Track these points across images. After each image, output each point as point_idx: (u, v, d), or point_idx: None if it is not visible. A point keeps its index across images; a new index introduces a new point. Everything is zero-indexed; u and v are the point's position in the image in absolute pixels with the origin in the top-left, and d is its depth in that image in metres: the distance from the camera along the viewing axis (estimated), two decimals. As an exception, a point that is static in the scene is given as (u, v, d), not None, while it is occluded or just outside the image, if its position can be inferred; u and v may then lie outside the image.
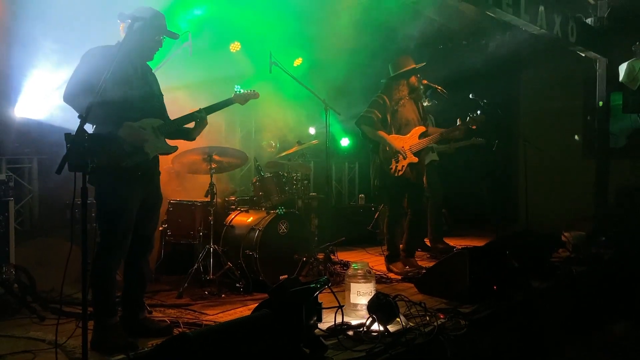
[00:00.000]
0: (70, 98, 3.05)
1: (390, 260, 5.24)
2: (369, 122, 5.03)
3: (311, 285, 2.92)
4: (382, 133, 5.01)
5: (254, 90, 3.86)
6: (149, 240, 3.41)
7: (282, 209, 4.84)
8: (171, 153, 3.40)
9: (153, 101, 3.32)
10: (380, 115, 5.02)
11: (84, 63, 3.11)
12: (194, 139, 3.60)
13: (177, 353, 2.21)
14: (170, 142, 3.40)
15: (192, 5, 5.74)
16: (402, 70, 5.11)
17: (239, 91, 3.77)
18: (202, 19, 5.89)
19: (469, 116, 5.20)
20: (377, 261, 5.60)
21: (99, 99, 2.63)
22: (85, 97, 2.97)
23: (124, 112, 3.11)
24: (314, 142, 6.12)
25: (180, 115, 3.45)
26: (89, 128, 3.09)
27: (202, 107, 3.50)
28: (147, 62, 3.38)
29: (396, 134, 5.08)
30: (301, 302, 2.78)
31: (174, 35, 3.31)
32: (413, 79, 5.13)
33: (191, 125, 3.49)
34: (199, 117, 3.44)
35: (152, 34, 3.22)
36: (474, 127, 5.23)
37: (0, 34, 4.74)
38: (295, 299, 2.79)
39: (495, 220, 7.83)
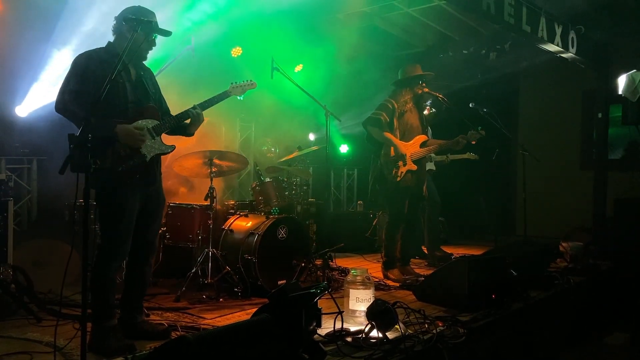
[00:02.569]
0: (61, 107, 3.04)
1: (387, 266, 5.24)
2: (376, 124, 5.03)
3: (311, 291, 2.91)
4: (389, 135, 5.02)
5: (250, 81, 3.75)
6: (152, 244, 3.40)
7: (277, 210, 4.87)
8: (169, 153, 3.34)
9: (148, 102, 3.28)
10: (387, 118, 5.03)
11: (73, 70, 3.09)
12: (191, 135, 3.54)
13: (176, 356, 2.20)
14: (169, 139, 3.36)
15: (195, 8, 5.75)
16: (409, 76, 5.15)
17: (234, 83, 3.69)
18: (205, 24, 5.91)
19: (470, 131, 5.25)
20: (374, 268, 5.59)
21: (88, 109, 2.61)
22: (77, 105, 2.96)
23: (117, 115, 3.09)
24: (314, 148, 6.12)
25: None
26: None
27: (196, 103, 3.45)
28: (143, 61, 3.35)
29: (400, 139, 5.09)
30: (301, 307, 2.77)
31: (166, 33, 3.24)
32: (417, 87, 5.16)
33: (188, 121, 3.44)
34: (193, 113, 3.39)
35: (145, 34, 3.16)
36: (474, 142, 5.28)
37: (4, 36, 4.75)
38: (296, 304, 2.77)
39: (493, 229, 7.85)
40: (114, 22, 3.23)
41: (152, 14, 3.24)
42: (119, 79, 3.11)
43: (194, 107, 3.42)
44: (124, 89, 3.15)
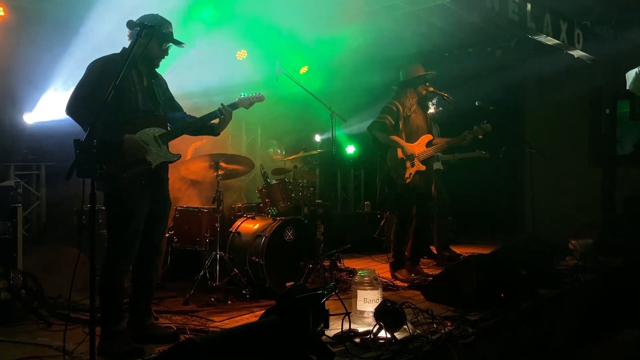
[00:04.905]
0: (73, 110, 3.07)
1: (395, 267, 5.23)
2: (382, 128, 5.01)
3: (318, 292, 2.92)
4: (395, 137, 5.00)
5: (258, 93, 3.81)
6: (158, 247, 3.43)
7: (275, 209, 4.88)
8: (174, 161, 3.40)
9: (157, 110, 3.33)
10: (392, 122, 5.01)
11: (87, 74, 3.13)
12: (218, 134, 3.66)
13: (184, 359, 2.21)
14: (196, 138, 3.44)
15: (200, 11, 5.77)
16: (412, 77, 5.12)
17: (242, 95, 3.77)
18: (209, 26, 5.92)
19: (476, 126, 5.22)
20: (383, 268, 5.58)
21: (97, 114, 2.63)
22: (88, 109, 2.99)
23: (126, 122, 3.13)
24: (319, 151, 6.13)
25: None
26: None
27: (222, 104, 3.55)
28: (155, 69, 3.40)
29: (406, 141, 5.08)
30: (308, 308, 2.78)
31: (180, 44, 3.34)
32: (421, 88, 5.13)
33: (216, 121, 3.56)
34: (222, 112, 3.51)
35: (158, 42, 3.24)
36: (481, 136, 5.24)
37: (11, 43, 4.79)
38: (302, 306, 2.78)
39: (501, 227, 7.82)
40: (131, 29, 3.24)
41: (169, 23, 3.31)
42: (131, 86, 3.17)
43: (223, 106, 3.52)
44: (135, 97, 3.20)
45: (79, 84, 3.13)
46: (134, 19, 3.15)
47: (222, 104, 3.54)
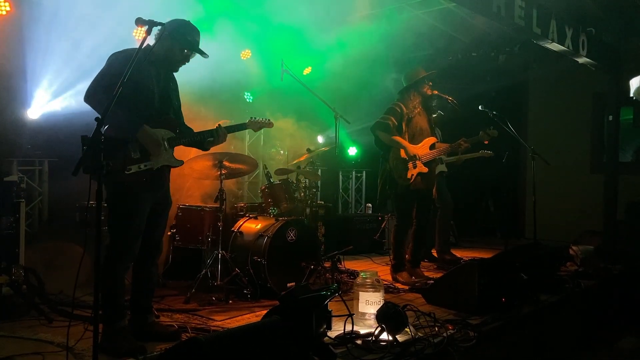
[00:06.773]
0: (91, 98, 3.08)
1: (396, 269, 5.22)
2: (384, 128, 5.02)
3: (322, 293, 2.92)
4: (398, 138, 5.01)
5: (268, 120, 3.98)
6: (158, 245, 3.42)
7: (275, 209, 4.91)
8: (176, 167, 3.40)
9: (169, 113, 3.34)
10: (396, 123, 5.02)
11: (111, 64, 3.12)
12: (207, 150, 3.68)
13: (188, 357, 2.20)
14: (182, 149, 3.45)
15: (203, 11, 5.77)
16: (414, 80, 5.13)
17: (252, 118, 3.87)
18: (213, 26, 5.92)
19: (481, 131, 5.23)
20: (383, 271, 5.57)
21: (117, 102, 2.63)
22: (106, 99, 2.99)
23: (141, 119, 3.13)
24: (324, 148, 6.12)
25: (189, 123, 3.56)
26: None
27: (219, 125, 3.56)
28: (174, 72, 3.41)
29: (410, 142, 5.08)
30: (311, 309, 2.78)
31: (203, 54, 3.33)
32: (425, 88, 5.14)
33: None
34: (219, 133, 3.50)
35: (179, 46, 3.24)
36: (487, 142, 5.25)
37: (16, 38, 4.79)
38: (306, 306, 2.78)
39: (502, 232, 7.82)
40: (159, 28, 3.11)
41: (196, 32, 3.32)
42: (149, 84, 3.17)
43: (219, 127, 3.53)
44: (152, 95, 3.21)
45: (101, 73, 3.11)
46: (167, 22, 3.13)
47: (219, 125, 3.54)
